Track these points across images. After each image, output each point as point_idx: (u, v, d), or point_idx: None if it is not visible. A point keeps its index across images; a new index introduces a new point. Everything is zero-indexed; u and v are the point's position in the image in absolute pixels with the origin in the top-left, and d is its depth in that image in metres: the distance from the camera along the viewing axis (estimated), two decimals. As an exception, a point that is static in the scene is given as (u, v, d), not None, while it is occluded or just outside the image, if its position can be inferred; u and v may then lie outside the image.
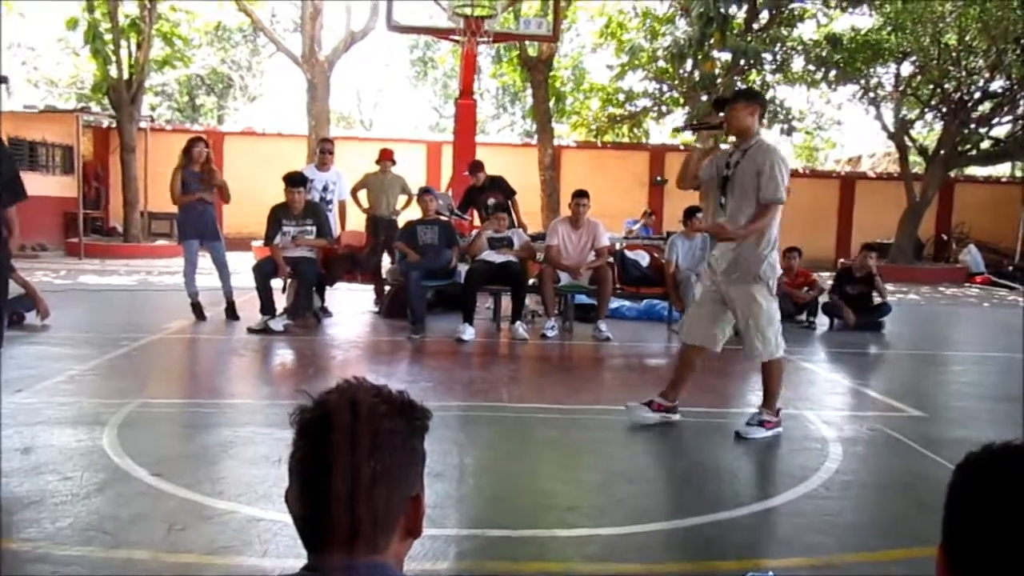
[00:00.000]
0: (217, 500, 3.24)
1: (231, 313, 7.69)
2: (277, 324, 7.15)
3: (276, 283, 7.59)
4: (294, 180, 7.45)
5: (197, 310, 7.67)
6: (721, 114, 4.52)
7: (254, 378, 6.04)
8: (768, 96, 16.92)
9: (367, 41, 16.71)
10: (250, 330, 7.11)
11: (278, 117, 27.05)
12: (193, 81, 28.45)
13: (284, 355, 6.79)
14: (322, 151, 8.60)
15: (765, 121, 4.48)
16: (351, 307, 8.97)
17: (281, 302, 7.55)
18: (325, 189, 8.23)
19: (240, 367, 6.28)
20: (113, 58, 15.01)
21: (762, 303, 4.40)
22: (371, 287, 8.89)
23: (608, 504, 3.45)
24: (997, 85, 16.62)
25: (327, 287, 8.14)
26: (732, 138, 4.58)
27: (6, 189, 3.89)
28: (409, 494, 1.02)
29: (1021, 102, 16.96)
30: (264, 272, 7.31)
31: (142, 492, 3.31)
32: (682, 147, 19.61)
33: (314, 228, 7.45)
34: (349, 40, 16.37)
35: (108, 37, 14.98)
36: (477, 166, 9.27)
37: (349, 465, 0.96)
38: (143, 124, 16.41)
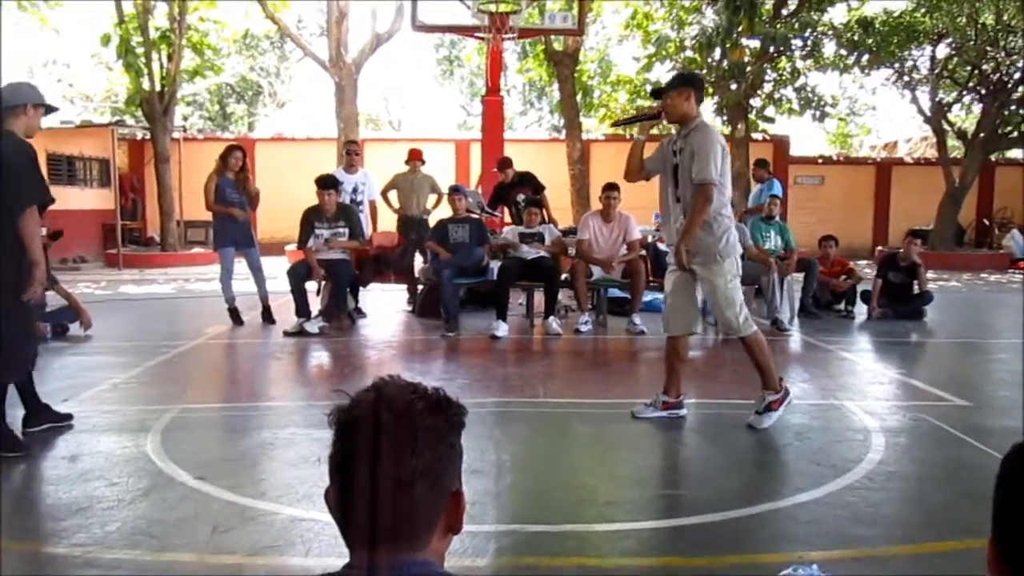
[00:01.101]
0: (259, 501, 3.28)
1: (267, 316, 7.78)
2: (312, 326, 7.23)
3: (311, 286, 7.66)
4: (326, 182, 7.51)
5: (234, 315, 7.78)
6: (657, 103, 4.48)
7: (291, 380, 6.11)
8: (799, 83, 16.68)
9: (393, 42, 16.81)
10: (286, 333, 7.19)
11: (307, 122, 27.32)
12: (223, 90, 28.84)
13: (320, 357, 6.86)
14: (348, 153, 8.68)
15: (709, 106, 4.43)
16: (385, 307, 9.03)
17: (316, 304, 7.62)
18: (355, 191, 8.30)
19: (277, 370, 6.36)
20: (145, 71, 15.26)
21: (719, 284, 4.39)
22: (404, 287, 8.94)
23: (646, 498, 3.43)
24: (1035, 64, 16.18)
25: (360, 288, 8.20)
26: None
27: (33, 192, 3.88)
28: (449, 490, 1.02)
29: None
30: (298, 275, 7.39)
31: (186, 496, 3.37)
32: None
33: (347, 230, 7.51)
34: (375, 42, 16.46)
35: (140, 51, 15.24)
36: (506, 163, 9.27)
37: (388, 463, 0.97)
38: (176, 134, 16.67)
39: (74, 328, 7.14)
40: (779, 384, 4.46)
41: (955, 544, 2.90)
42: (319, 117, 26.33)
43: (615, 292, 8.13)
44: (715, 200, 4.28)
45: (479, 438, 4.04)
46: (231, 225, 7.68)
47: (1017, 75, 16.33)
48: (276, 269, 9.05)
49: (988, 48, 15.92)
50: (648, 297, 8.35)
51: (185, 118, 25.46)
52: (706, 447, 4.44)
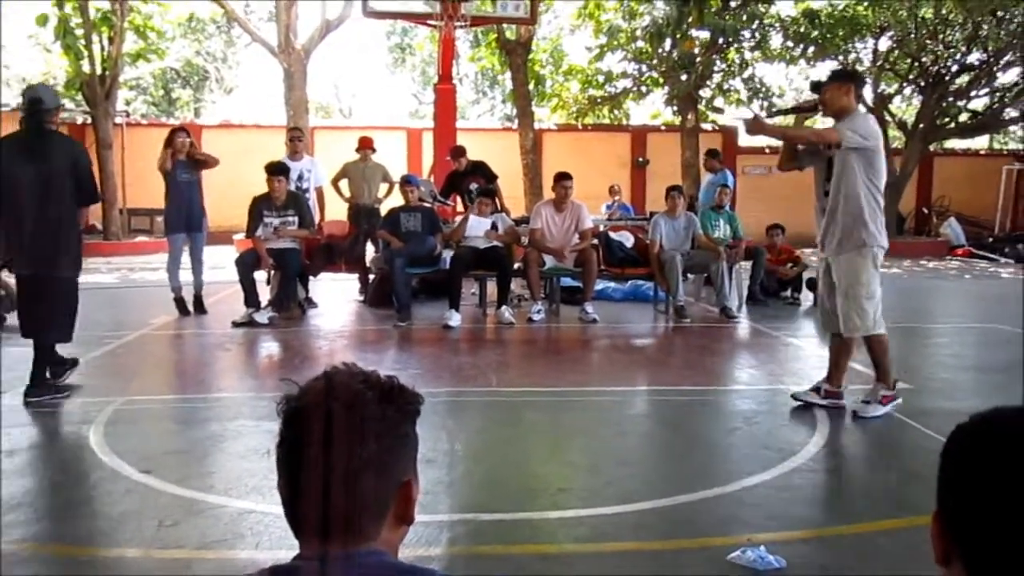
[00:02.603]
0: (207, 495, 3.22)
1: (199, 307, 7.64)
2: (262, 316, 7.11)
3: (260, 275, 7.54)
4: (275, 169, 7.39)
5: (181, 305, 7.61)
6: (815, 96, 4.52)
7: (240, 371, 6.01)
8: (747, 74, 16.93)
9: (343, 29, 16.59)
10: (235, 323, 7.06)
11: (256, 108, 26.83)
12: (168, 74, 28.09)
13: (270, 347, 6.75)
14: (292, 139, 8.51)
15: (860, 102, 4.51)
16: (336, 297, 8.93)
17: (265, 294, 7.50)
18: (300, 178, 8.16)
19: (226, 361, 6.24)
20: (85, 53, 14.79)
21: (863, 272, 4.37)
22: (355, 276, 8.85)
23: (599, 485, 3.46)
24: (974, 58, 16.69)
25: (311, 277, 8.09)
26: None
27: (83, 191, 4.64)
28: (400, 480, 1.01)
29: (998, 75, 17.06)
30: (247, 264, 7.26)
31: (131, 490, 3.29)
32: (663, 128, 19.64)
33: (296, 218, 7.40)
34: (325, 28, 16.21)
35: (79, 32, 14.75)
36: (459, 151, 9.23)
37: (335, 452, 0.95)
38: (119, 119, 16.20)
39: (12, 318, 6.90)
40: (894, 387, 4.50)
41: (897, 522, 2.98)
42: (268, 104, 25.89)
43: (568, 281, 8.17)
44: (866, 184, 4.31)
45: (432, 428, 4.02)
46: (185, 208, 7.52)
47: (955, 68, 16.84)
48: (224, 258, 8.88)
49: (928, 41, 16.37)
50: (600, 286, 8.42)
51: (128, 103, 24.76)
52: (658, 433, 4.50)
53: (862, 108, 4.54)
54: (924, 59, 16.74)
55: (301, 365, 5.77)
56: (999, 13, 15.14)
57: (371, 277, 8.49)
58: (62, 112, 4.97)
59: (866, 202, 4.32)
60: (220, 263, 9.10)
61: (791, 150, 4.68)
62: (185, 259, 7.70)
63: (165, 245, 7.86)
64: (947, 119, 17.51)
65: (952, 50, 16.60)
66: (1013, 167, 18.33)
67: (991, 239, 17.17)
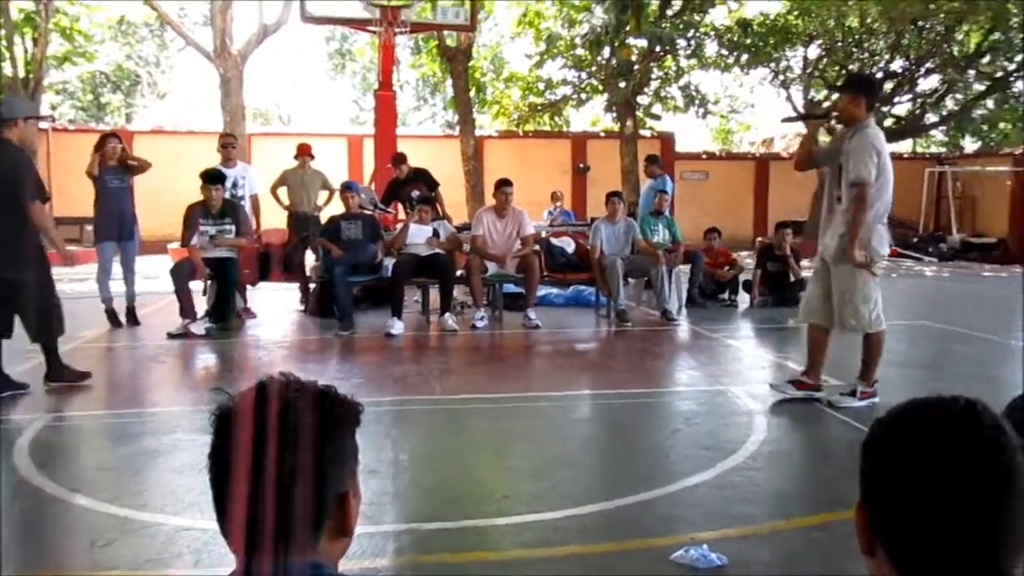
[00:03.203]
0: (141, 512, 3.12)
1: (132, 318, 7.44)
2: (198, 328, 6.94)
3: (196, 285, 7.36)
4: (212, 177, 7.23)
5: (112, 317, 7.38)
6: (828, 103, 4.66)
7: (176, 384, 5.85)
8: (684, 81, 17.28)
9: (281, 34, 16.37)
10: (170, 335, 6.88)
11: (191, 114, 26.19)
12: (97, 78, 27.26)
13: (207, 359, 6.60)
14: (224, 146, 8.33)
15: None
16: (275, 307, 8.77)
17: (202, 305, 7.33)
18: (235, 185, 8.00)
19: (161, 374, 6.07)
20: (7, 55, 14.26)
21: (859, 279, 4.51)
22: (295, 285, 8.71)
23: (543, 490, 3.47)
24: (897, 65, 17.37)
25: (249, 287, 7.94)
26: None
27: (34, 189, 4.84)
28: (337, 491, 0.99)
29: (919, 81, 17.76)
30: (182, 274, 7.07)
31: (60, 510, 3.17)
32: (602, 134, 19.87)
33: (233, 227, 7.25)
34: (262, 33, 15.97)
35: (1, 33, 14.21)
36: (400, 159, 9.18)
37: (267, 462, 0.93)
38: (44, 125, 15.65)
39: None
40: (873, 385, 4.64)
41: (832, 516, 3.07)
42: (203, 110, 25.32)
43: (510, 287, 8.19)
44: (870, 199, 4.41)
45: (375, 437, 3.98)
46: (116, 217, 7.32)
47: (879, 75, 17.46)
48: (158, 268, 8.64)
49: (854, 50, 16.98)
50: (542, 291, 8.46)
51: (54, 107, 23.93)
52: (601, 436, 4.54)
53: (870, 118, 4.68)
54: (851, 66, 17.32)
55: (239, 377, 5.65)
56: (920, 23, 15.79)
57: (312, 286, 8.37)
58: (34, 124, 5.25)
59: (871, 213, 4.47)
60: (153, 273, 8.86)
61: (808, 152, 4.89)
62: (116, 269, 7.48)
63: (94, 255, 7.61)
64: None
65: (876, 58, 17.24)
66: (935, 170, 19.08)
67: (916, 239, 17.83)
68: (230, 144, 8.37)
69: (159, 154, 16.97)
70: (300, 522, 0.94)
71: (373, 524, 2.95)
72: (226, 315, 7.30)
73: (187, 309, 6.99)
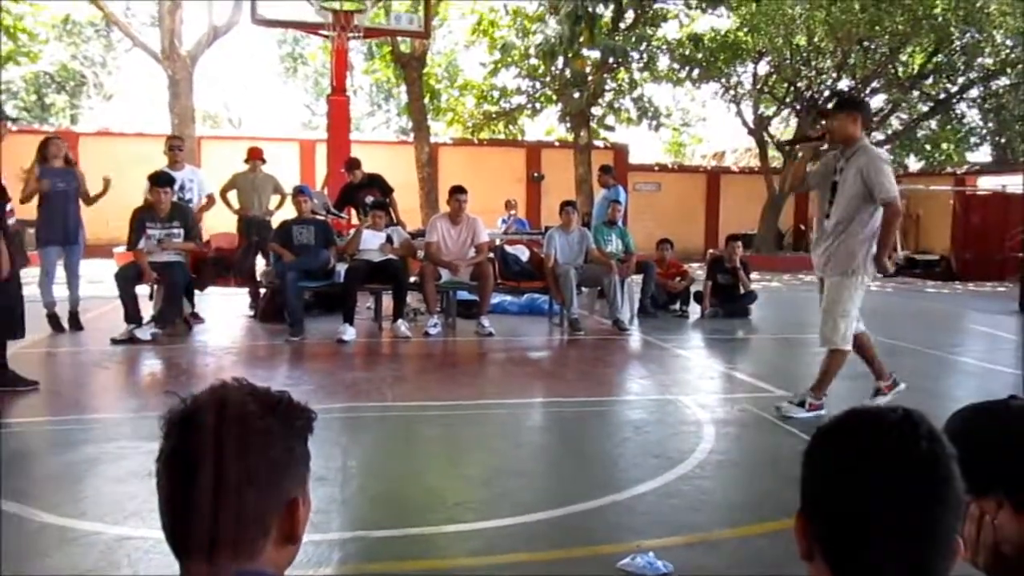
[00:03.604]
0: (80, 521, 3.04)
1: (75, 323, 7.25)
2: (144, 333, 6.78)
3: (142, 290, 7.20)
4: (160, 179, 7.09)
5: (54, 321, 7.18)
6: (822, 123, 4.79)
7: (120, 391, 5.70)
8: (637, 94, 17.51)
9: (232, 36, 16.15)
10: (114, 341, 6.71)
11: (138, 116, 25.61)
12: (41, 79, 26.51)
13: (152, 365, 6.45)
14: (171, 148, 8.17)
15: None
16: (224, 312, 8.62)
17: (148, 310, 7.17)
18: (182, 188, 7.86)
19: (104, 380, 5.92)
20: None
21: (844, 294, 4.63)
22: (245, 290, 8.58)
23: (493, 497, 3.47)
24: (844, 84, 17.84)
25: (197, 292, 7.79)
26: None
27: None
28: (286, 498, 0.98)
29: (865, 100, 18.29)
30: (128, 278, 6.91)
31: (-5, 519, 3.06)
32: (557, 144, 20.02)
33: (181, 231, 7.11)
34: (212, 35, 15.74)
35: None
36: (354, 163, 9.12)
37: (214, 466, 0.92)
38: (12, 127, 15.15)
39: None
40: (821, 399, 4.74)
41: (777, 524, 3.13)
42: (151, 111, 24.79)
43: (464, 295, 8.18)
44: (868, 215, 4.52)
45: (325, 444, 3.94)
46: (60, 220, 7.13)
47: (827, 93, 17.95)
48: (103, 272, 8.43)
49: (802, 67, 17.40)
50: (496, 299, 8.48)
51: (-6, 107, 23.19)
52: (552, 444, 4.56)
53: (864, 137, 4.76)
54: (799, 84, 17.77)
55: (186, 383, 5.53)
56: (865, 43, 16.26)
57: (262, 291, 8.25)
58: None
59: (862, 232, 4.58)
60: (98, 277, 8.64)
61: (801, 178, 5.03)
62: (60, 274, 7.27)
63: (36, 259, 7.40)
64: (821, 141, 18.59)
65: (824, 76, 17.70)
66: (879, 187, 19.64)
67: (861, 254, 18.27)
68: (177, 147, 8.21)
69: (105, 156, 16.65)
70: (246, 529, 0.94)
71: (319, 532, 2.92)
72: (172, 320, 7.15)
73: (132, 314, 6.83)
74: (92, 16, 22.91)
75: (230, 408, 0.95)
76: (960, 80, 17.30)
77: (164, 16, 15.39)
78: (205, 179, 8.35)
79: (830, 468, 0.91)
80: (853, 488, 0.88)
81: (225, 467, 0.92)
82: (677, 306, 9.47)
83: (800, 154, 5.13)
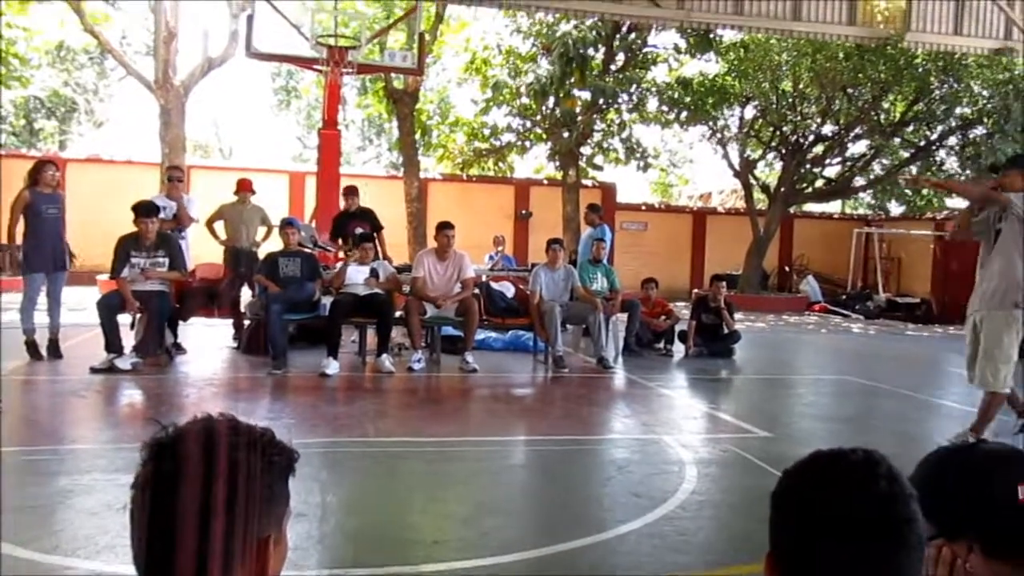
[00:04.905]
0: (52, 556, 2.98)
1: (54, 351, 7.19)
2: (124, 363, 6.72)
3: (124, 319, 7.15)
4: (146, 209, 7.08)
5: (33, 349, 7.10)
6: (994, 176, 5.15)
7: (97, 421, 5.63)
8: (625, 134, 17.72)
9: (226, 68, 16.25)
10: (93, 369, 6.64)
11: (128, 144, 25.64)
12: (31, 103, 26.55)
13: (132, 395, 6.38)
14: (170, 179, 8.22)
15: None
16: (208, 343, 8.55)
17: (130, 339, 7.11)
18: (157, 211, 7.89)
19: (81, 410, 5.84)
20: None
21: (1006, 338, 4.85)
22: (229, 321, 8.53)
23: (474, 536, 3.44)
24: (828, 129, 18.13)
25: (181, 322, 7.74)
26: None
27: None
28: (260, 535, 0.97)
29: (848, 146, 18.59)
30: (110, 307, 6.86)
31: (-36, 551, 3.00)
32: (545, 182, 20.18)
33: (167, 260, 7.09)
34: (206, 66, 15.84)
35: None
36: (352, 190, 9.20)
37: (186, 498, 0.91)
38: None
39: None
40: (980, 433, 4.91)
41: (757, 567, 3.10)
42: (142, 140, 24.85)
43: (448, 330, 8.17)
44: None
45: (304, 479, 3.89)
46: (48, 247, 7.11)
47: (811, 138, 18.24)
48: (85, 300, 8.37)
49: (787, 112, 17.69)
50: (481, 335, 8.47)
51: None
52: (535, 483, 4.53)
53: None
54: (784, 128, 18.04)
55: (166, 414, 5.47)
56: (849, 90, 16.57)
57: (246, 323, 8.21)
58: None
59: (1019, 268, 4.82)
60: (80, 304, 8.58)
61: (967, 219, 5.29)
62: (41, 299, 7.22)
63: (18, 283, 7.34)
64: (805, 184, 18.88)
65: (808, 121, 17.99)
66: (862, 231, 19.88)
67: (844, 296, 18.47)
68: (177, 177, 8.30)
69: (94, 183, 16.68)
70: (218, 564, 0.92)
71: (296, 569, 2.88)
72: (154, 350, 7.09)
73: (113, 343, 6.77)
74: (87, 44, 23.04)
75: (210, 440, 0.95)
76: (939, 128, 17.62)
77: (159, 46, 15.48)
78: (195, 201, 8.39)
79: (793, 510, 0.92)
80: (814, 529, 0.89)
81: (197, 499, 0.91)
82: (662, 345, 9.49)
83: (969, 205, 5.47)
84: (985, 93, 16.26)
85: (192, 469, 0.92)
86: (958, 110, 16.89)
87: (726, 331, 9.35)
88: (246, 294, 8.48)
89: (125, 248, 7.03)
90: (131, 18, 23.43)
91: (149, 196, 7.98)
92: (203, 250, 8.73)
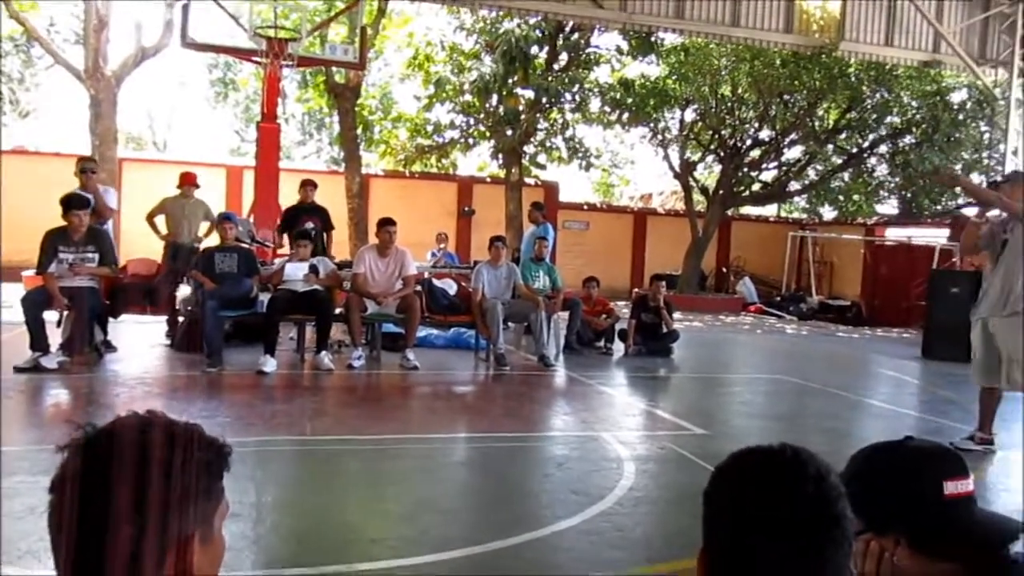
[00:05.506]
0: (-30, 560, 2.86)
1: None
2: (50, 361, 6.47)
3: (51, 316, 6.88)
4: (75, 202, 6.82)
5: (-49, 346, 6.80)
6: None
7: (20, 422, 5.40)
8: (568, 134, 17.85)
9: (160, 58, 15.81)
10: (17, 369, 6.37)
11: (57, 135, 24.69)
12: (-50, 91, 25.37)
13: (58, 395, 6.16)
14: (83, 171, 7.82)
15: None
16: (139, 340, 8.30)
17: (56, 337, 6.85)
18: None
19: (4, 411, 5.60)
20: None
21: (1020, 337, 4.95)
22: (163, 318, 8.30)
23: (413, 534, 3.42)
24: (765, 134, 18.59)
25: (111, 319, 7.49)
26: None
27: None
28: (181, 535, 0.93)
29: (784, 151, 19.09)
30: (35, 303, 6.59)
31: None
32: (488, 179, 20.19)
33: (96, 255, 6.85)
34: (139, 56, 15.38)
35: None
36: (310, 183, 9.08)
37: (102, 497, 0.88)
38: None
39: None
40: (991, 434, 5.22)
41: (692, 562, 3.16)
42: (71, 131, 23.95)
43: (390, 327, 8.11)
44: None
45: (239, 479, 3.81)
46: None
47: (749, 142, 18.67)
48: (10, 296, 8.04)
49: (726, 116, 18.06)
50: (423, 332, 8.42)
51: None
52: (474, 480, 4.53)
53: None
54: (723, 132, 18.42)
55: (93, 414, 5.29)
56: (785, 97, 17.01)
57: (180, 319, 8.00)
58: None
59: (1020, 276, 4.97)
60: (5, 302, 8.24)
61: (975, 236, 5.40)
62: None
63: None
64: (742, 187, 19.32)
65: (746, 126, 18.41)
66: (797, 234, 20.43)
67: (779, 298, 18.94)
68: (91, 170, 7.83)
69: (19, 175, 16.00)
70: (126, 565, 0.88)
71: (229, 569, 2.81)
72: (81, 348, 6.85)
73: (38, 341, 6.51)
74: (12, 31, 22.10)
75: (129, 437, 0.91)
76: (871, 136, 18.25)
77: (89, 35, 14.97)
78: (113, 192, 8.11)
79: (724, 506, 0.94)
80: (745, 527, 0.91)
81: (112, 499, 0.88)
82: (602, 343, 9.59)
83: (974, 219, 5.61)
84: (915, 103, 16.90)
85: (100, 467, 0.89)
86: (889, 119, 17.52)
87: (665, 330, 9.49)
88: (184, 291, 8.26)
89: (53, 243, 6.76)
90: (60, 5, 22.58)
91: (75, 189, 7.69)
92: (137, 246, 8.47)
